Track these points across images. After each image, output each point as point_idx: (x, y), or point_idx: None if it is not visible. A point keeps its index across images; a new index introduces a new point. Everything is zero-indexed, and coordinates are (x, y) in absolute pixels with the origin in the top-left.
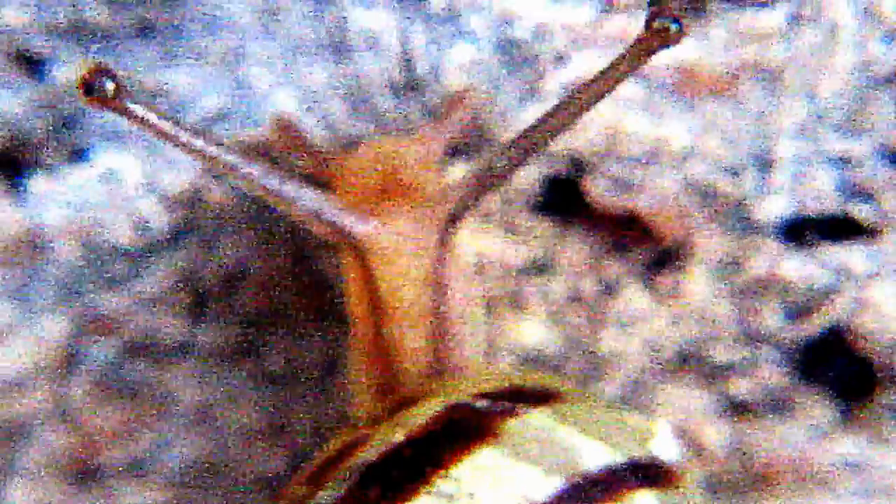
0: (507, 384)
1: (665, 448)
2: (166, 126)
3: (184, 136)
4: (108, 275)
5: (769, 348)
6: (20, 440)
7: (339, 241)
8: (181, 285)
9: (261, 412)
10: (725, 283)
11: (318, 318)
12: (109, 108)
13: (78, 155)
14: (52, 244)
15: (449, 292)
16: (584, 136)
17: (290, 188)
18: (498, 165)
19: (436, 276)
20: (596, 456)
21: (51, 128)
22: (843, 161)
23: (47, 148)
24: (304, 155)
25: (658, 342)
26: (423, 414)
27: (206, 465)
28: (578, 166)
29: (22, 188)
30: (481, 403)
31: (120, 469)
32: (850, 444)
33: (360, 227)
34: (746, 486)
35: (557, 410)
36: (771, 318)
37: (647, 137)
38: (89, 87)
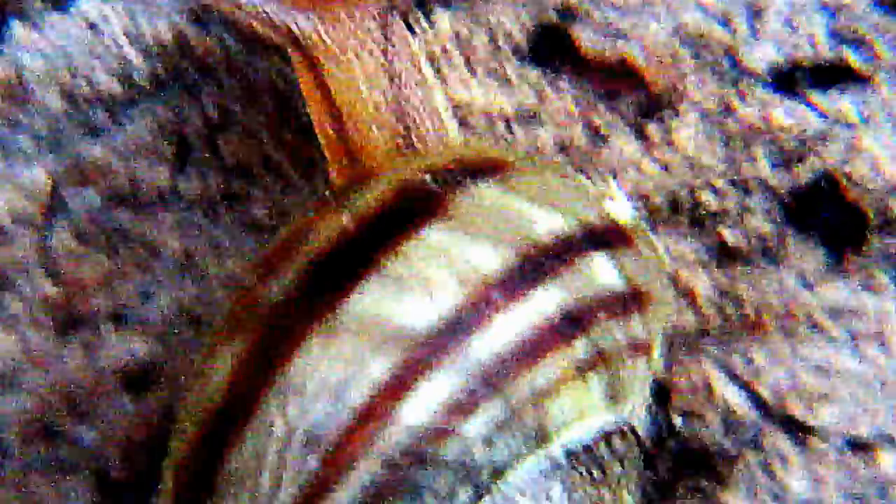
0: (456, 158)
1: (618, 209)
2: None
3: None
4: (91, 124)
5: (760, 195)
6: (3, 288)
7: (284, 42)
8: (164, 135)
9: (244, 261)
10: (716, 131)
11: (301, 167)
12: None
13: (61, 3)
14: (34, 93)
15: (404, 83)
16: None
17: None
18: None
19: (388, 70)
20: (547, 224)
21: None
22: (835, 7)
23: None
24: None
25: (648, 190)
26: (370, 195)
27: (190, 313)
28: (568, 14)
29: (4, 37)
30: (429, 179)
31: (103, 318)
32: (840, 291)
33: (303, 24)
34: (736, 332)
35: (507, 182)
36: (761, 166)
37: None
38: None
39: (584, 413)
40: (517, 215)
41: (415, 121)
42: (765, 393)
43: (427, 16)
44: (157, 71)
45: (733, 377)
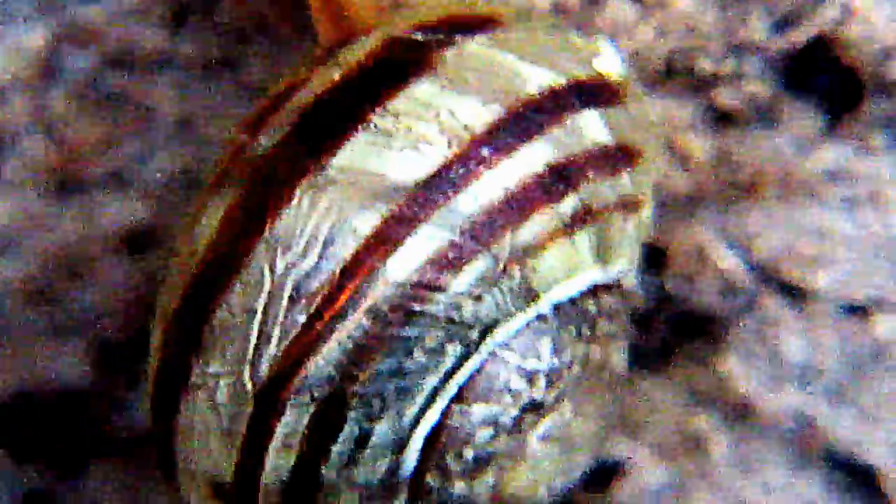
0: (444, 14)
1: (608, 65)
2: None
3: None
4: None
5: (755, 59)
6: (0, 150)
7: None
8: None
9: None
10: None
11: (297, 31)
12: None
13: None
14: None
15: None
16: None
17: None
18: None
19: None
20: (536, 80)
21: None
22: None
23: None
24: None
25: (644, 54)
26: (359, 51)
27: (187, 175)
28: None
29: None
30: (417, 35)
31: (100, 180)
32: (836, 154)
33: None
34: (732, 196)
35: (496, 37)
36: (757, 29)
37: None
38: None
39: (572, 270)
40: (506, 70)
41: None
42: (760, 257)
43: None
44: None
45: (729, 242)
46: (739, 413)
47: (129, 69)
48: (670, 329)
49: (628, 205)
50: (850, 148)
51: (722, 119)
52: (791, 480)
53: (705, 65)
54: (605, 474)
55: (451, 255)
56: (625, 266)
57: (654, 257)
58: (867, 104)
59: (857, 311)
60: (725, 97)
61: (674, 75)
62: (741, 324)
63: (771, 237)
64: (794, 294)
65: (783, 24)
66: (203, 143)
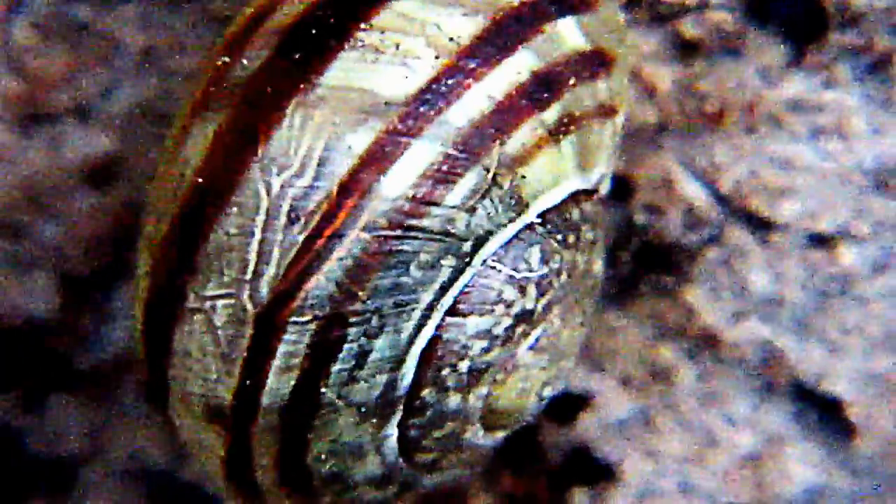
0: None
1: None
2: None
3: None
4: None
5: None
6: None
7: None
8: None
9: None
10: None
11: None
12: None
13: None
14: None
15: None
16: None
17: None
18: None
19: None
20: None
21: None
22: None
23: None
24: None
25: None
26: None
27: (152, 108)
28: None
29: None
30: None
31: (65, 113)
32: (801, 85)
33: None
34: (698, 127)
35: None
36: None
37: None
38: None
39: (557, 179)
40: None
41: None
42: (726, 188)
43: None
44: None
45: (694, 172)
46: (705, 345)
47: (92, 0)
48: (636, 261)
49: (606, 110)
50: (815, 78)
51: (687, 49)
52: (757, 412)
53: None
54: (570, 406)
55: (444, 168)
56: (602, 171)
57: (620, 188)
58: (832, 35)
59: (823, 241)
60: (690, 27)
61: (638, 5)
62: (707, 255)
63: (736, 168)
64: (760, 225)
65: None
66: (168, 75)
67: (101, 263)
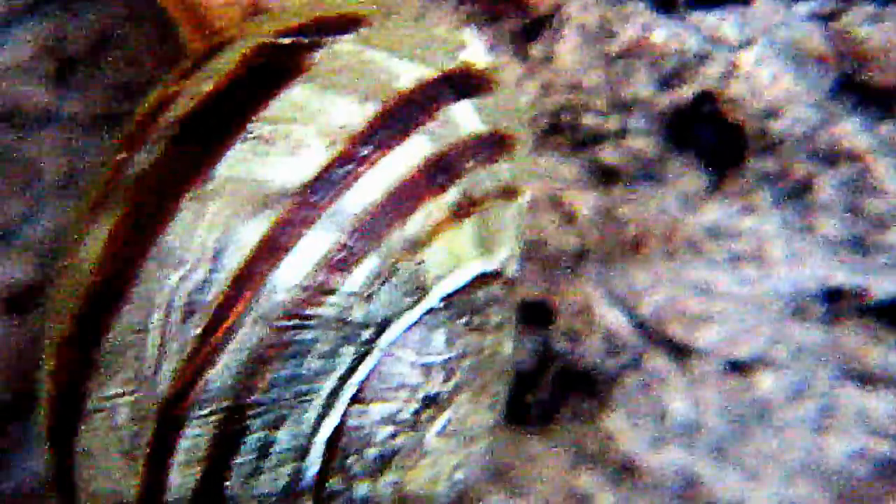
0: (311, 17)
1: (475, 55)
2: None
3: None
4: None
5: (640, 116)
6: None
7: None
8: (46, 53)
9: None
10: (596, 51)
11: None
12: None
13: None
14: None
15: None
16: None
17: None
18: None
19: None
20: (408, 74)
21: None
22: None
23: None
24: None
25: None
26: (228, 59)
27: None
28: None
29: None
30: (286, 39)
31: None
32: (719, 212)
33: None
34: (617, 254)
35: (364, 35)
36: (641, 86)
37: None
38: None
39: (459, 261)
40: (377, 68)
41: None
42: (646, 314)
43: None
44: None
45: (614, 299)
46: (625, 471)
47: (13, 126)
48: (556, 386)
49: (508, 192)
50: (733, 205)
51: (606, 176)
52: None
53: (590, 121)
54: None
55: (340, 256)
56: (507, 253)
57: (539, 314)
58: (750, 161)
59: (742, 368)
60: (610, 154)
61: (559, 132)
62: (626, 381)
63: (656, 294)
64: (679, 351)
65: (667, 80)
66: None
67: (19, 390)
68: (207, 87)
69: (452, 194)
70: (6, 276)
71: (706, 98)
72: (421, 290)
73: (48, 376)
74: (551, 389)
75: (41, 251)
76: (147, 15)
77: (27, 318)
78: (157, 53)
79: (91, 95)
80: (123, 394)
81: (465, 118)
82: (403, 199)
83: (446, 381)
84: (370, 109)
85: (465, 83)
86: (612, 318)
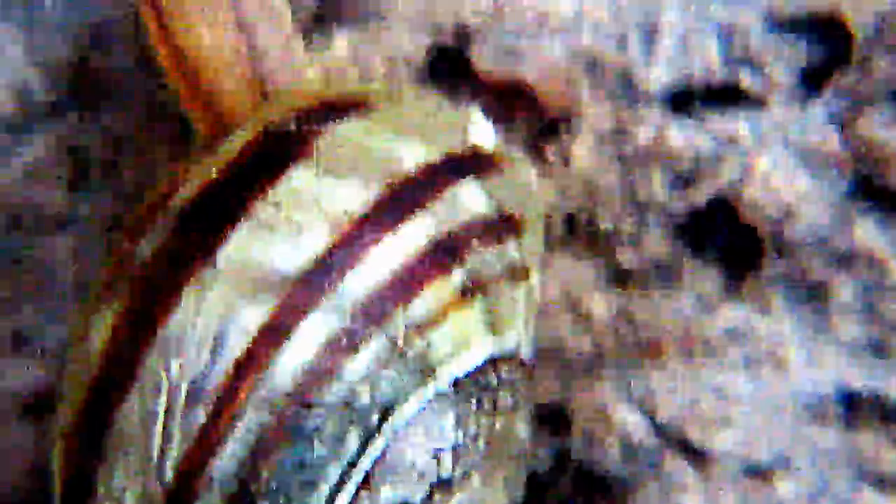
0: (315, 100)
1: (481, 136)
2: None
3: None
4: None
5: (655, 218)
6: None
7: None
8: (62, 157)
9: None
10: (612, 153)
11: None
12: None
13: None
14: None
15: (258, 31)
16: (470, 4)
17: None
18: None
19: (237, 17)
20: (412, 156)
21: None
22: (729, 29)
23: None
24: None
25: (545, 212)
26: (233, 144)
27: None
28: (464, 36)
29: None
30: (290, 124)
31: (2, 343)
32: (735, 314)
33: None
34: (633, 356)
35: (368, 118)
36: (657, 188)
37: (533, 6)
38: None
39: (467, 343)
40: (380, 151)
41: (271, 70)
42: (663, 417)
43: (325, 36)
44: (55, 91)
45: (631, 401)
46: None
47: (29, 230)
48: (573, 489)
49: (516, 273)
50: (749, 307)
51: (622, 278)
52: None
53: (606, 223)
54: None
55: (344, 339)
56: (518, 335)
57: (556, 418)
58: (766, 264)
59: (759, 472)
60: (626, 256)
61: (575, 235)
62: (644, 484)
63: (672, 397)
64: (697, 455)
65: (683, 182)
66: None
67: (36, 495)
68: (210, 173)
69: (459, 275)
70: (22, 380)
71: (722, 200)
72: (428, 373)
73: (58, 467)
74: (569, 493)
75: (55, 355)
76: (162, 118)
77: (43, 422)
78: (173, 157)
79: (104, 200)
80: (131, 482)
81: (471, 199)
82: (408, 280)
83: (457, 464)
84: (372, 192)
85: (471, 164)
86: (629, 421)
